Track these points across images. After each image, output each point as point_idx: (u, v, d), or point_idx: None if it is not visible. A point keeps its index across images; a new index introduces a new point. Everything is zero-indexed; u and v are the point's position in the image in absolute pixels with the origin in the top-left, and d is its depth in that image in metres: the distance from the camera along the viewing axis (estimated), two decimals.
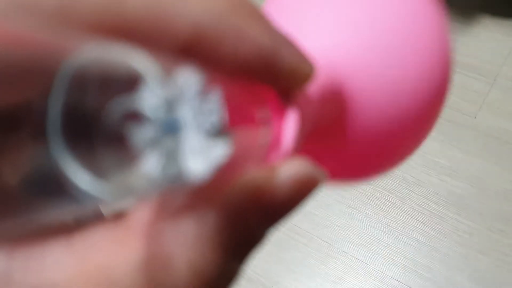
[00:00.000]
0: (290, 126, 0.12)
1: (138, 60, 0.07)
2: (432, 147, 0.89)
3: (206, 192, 0.10)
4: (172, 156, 0.08)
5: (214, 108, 0.08)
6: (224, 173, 0.09)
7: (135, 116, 0.08)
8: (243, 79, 0.11)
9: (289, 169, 0.11)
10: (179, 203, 0.10)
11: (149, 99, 0.07)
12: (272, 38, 0.11)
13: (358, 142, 0.18)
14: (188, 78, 0.08)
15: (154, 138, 0.08)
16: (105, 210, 0.10)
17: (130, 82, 0.07)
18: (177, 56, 0.09)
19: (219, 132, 0.08)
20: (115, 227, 0.10)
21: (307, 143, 0.14)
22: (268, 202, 0.11)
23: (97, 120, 0.07)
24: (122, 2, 0.09)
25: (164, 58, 0.08)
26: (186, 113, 0.08)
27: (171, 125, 0.08)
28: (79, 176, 0.07)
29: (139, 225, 0.10)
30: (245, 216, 0.10)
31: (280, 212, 0.11)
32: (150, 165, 0.08)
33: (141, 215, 0.10)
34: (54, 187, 0.07)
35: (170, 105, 0.08)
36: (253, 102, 0.11)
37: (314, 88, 0.15)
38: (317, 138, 0.16)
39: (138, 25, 0.09)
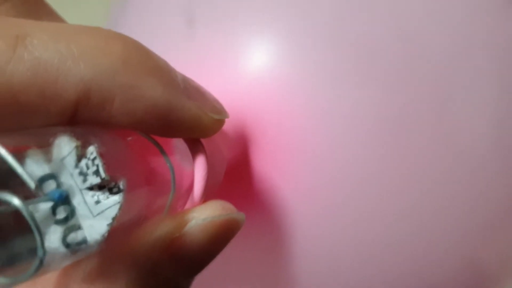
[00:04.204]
0: (198, 170, 0.12)
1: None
2: None
3: (114, 251, 0.10)
4: (68, 225, 0.09)
5: (98, 169, 0.08)
6: (128, 227, 0.10)
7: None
8: (141, 133, 0.11)
9: (202, 213, 0.11)
10: (88, 266, 0.10)
11: (27, 181, 0.08)
12: (169, 92, 0.11)
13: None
14: (66, 146, 0.08)
15: (47, 213, 0.08)
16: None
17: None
18: (61, 118, 0.10)
19: (108, 190, 0.09)
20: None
21: (222, 186, 0.14)
22: (183, 251, 0.11)
23: None
24: (4, 73, 0.09)
25: (42, 133, 0.09)
26: (69, 182, 0.08)
27: (58, 198, 0.08)
28: None
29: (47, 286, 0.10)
30: (160, 270, 0.10)
31: (199, 259, 0.11)
32: (52, 239, 0.08)
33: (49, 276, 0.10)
34: None
35: (51, 179, 0.08)
36: (151, 154, 0.11)
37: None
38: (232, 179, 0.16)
39: (23, 95, 0.09)
